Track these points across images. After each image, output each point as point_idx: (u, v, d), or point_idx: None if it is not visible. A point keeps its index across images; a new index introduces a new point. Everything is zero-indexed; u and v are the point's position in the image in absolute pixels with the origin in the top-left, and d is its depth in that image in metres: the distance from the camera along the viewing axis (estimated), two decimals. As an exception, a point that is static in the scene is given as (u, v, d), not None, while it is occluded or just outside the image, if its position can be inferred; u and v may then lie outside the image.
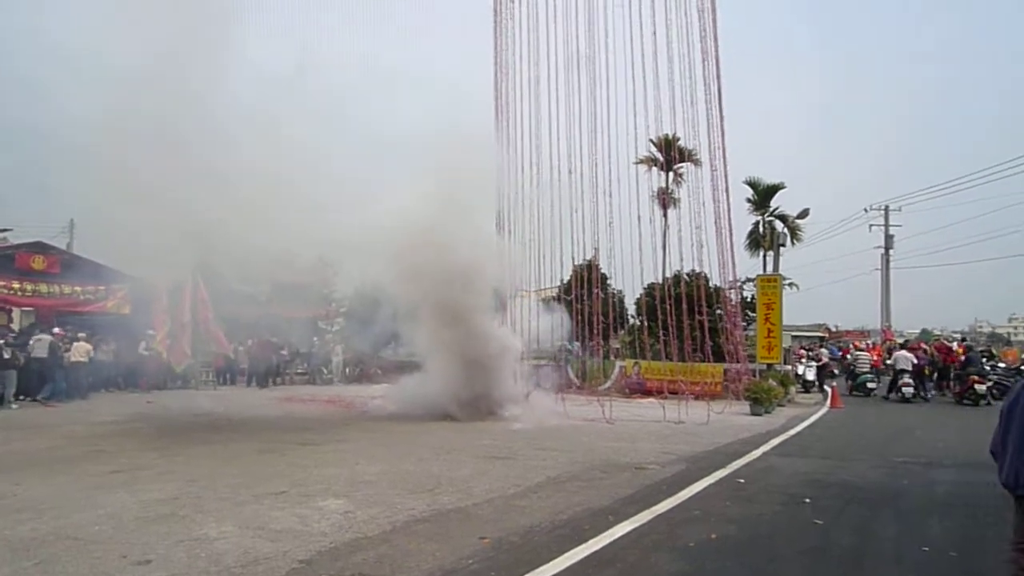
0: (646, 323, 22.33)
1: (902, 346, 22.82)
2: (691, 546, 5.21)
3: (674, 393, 15.76)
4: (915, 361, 19.77)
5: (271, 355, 23.13)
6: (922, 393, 19.59)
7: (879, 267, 36.35)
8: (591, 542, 5.24)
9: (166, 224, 13.04)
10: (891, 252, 35.97)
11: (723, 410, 14.52)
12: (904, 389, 19.07)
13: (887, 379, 21.26)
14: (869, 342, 32.56)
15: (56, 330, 17.38)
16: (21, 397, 15.48)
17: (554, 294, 20.75)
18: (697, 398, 15.60)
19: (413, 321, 16.06)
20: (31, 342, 16.10)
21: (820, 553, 5.14)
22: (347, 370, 25.40)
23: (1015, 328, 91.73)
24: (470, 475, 7.93)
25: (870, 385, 20.83)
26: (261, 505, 6.34)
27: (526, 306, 16.23)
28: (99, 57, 12.35)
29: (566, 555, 4.92)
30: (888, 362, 21.57)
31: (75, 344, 16.90)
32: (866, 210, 36.94)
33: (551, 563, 4.74)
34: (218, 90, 12.39)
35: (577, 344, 19.51)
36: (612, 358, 21.68)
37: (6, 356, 15.05)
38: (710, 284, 19.80)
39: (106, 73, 12.30)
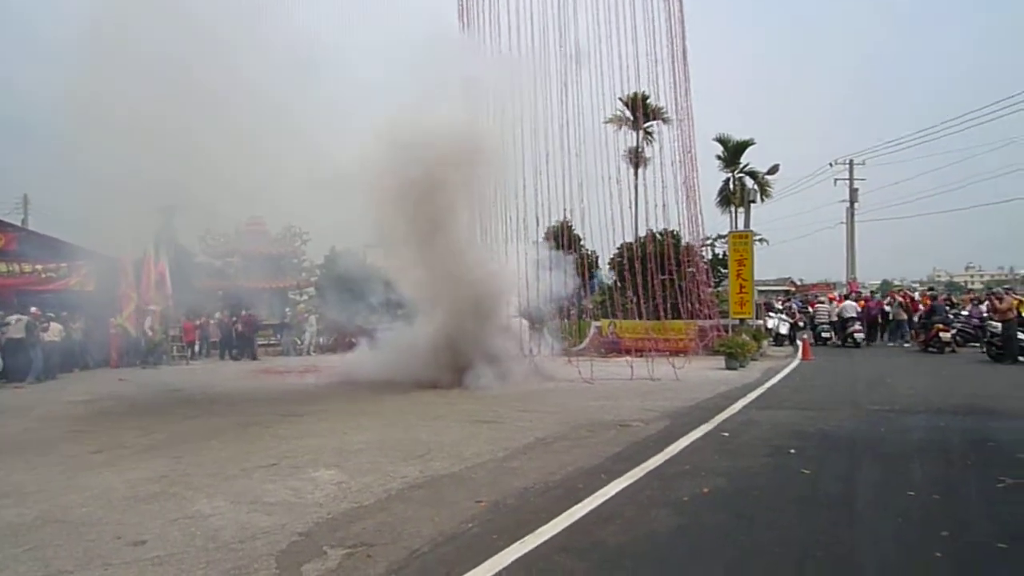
0: (617, 283, 22.54)
1: (845, 297, 24.43)
2: (685, 500, 5.29)
3: (645, 351, 15.92)
4: (859, 310, 21.74)
5: (244, 327, 22.78)
6: (877, 340, 22.11)
7: (843, 221, 36.98)
8: (587, 500, 5.29)
9: (126, 190, 12.62)
10: (856, 206, 36.60)
11: (683, 365, 14.64)
12: (856, 335, 20.80)
13: None
14: (837, 294, 33.28)
15: (33, 310, 16.97)
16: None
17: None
18: (672, 355, 15.78)
19: (389, 279, 15.79)
20: (11, 321, 15.72)
21: (811, 501, 5.26)
22: (321, 339, 25.19)
23: (971, 277, 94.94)
24: (458, 440, 7.94)
25: (824, 335, 22.49)
26: (251, 479, 6.27)
27: (524, 252, 14.89)
28: (50, 21, 11.81)
29: (564, 514, 4.96)
30: (837, 311, 22.63)
31: (51, 324, 16.57)
32: (831, 164, 37.47)
33: (550, 523, 4.77)
34: (171, 43, 11.88)
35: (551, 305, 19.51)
36: (586, 318, 21.80)
37: None
38: (681, 242, 19.97)
39: (60, 32, 11.78)
